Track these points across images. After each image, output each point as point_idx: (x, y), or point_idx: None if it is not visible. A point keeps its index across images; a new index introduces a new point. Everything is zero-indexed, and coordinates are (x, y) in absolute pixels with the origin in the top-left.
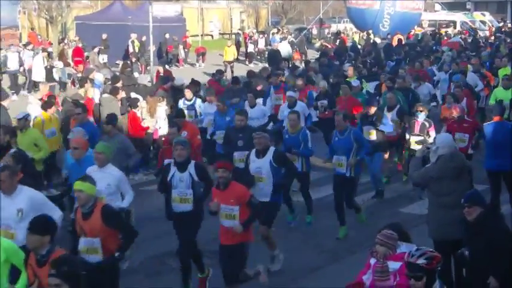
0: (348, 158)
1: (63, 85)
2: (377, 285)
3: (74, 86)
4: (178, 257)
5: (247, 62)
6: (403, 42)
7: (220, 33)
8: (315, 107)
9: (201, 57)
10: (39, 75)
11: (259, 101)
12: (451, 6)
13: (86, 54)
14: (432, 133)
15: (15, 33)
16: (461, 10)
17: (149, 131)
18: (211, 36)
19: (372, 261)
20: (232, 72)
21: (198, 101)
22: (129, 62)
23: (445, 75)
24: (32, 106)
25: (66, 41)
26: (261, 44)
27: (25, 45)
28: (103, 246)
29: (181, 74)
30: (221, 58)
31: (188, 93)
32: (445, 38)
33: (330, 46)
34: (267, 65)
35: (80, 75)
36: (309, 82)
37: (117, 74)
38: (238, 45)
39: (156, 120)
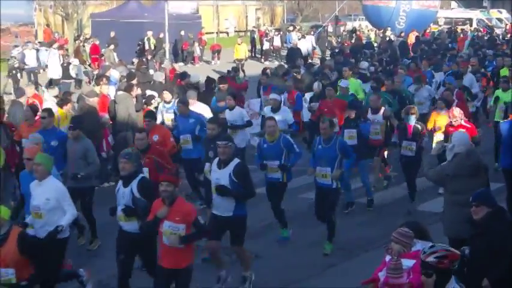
0: (333, 169)
1: (79, 82)
2: (390, 282)
3: (91, 83)
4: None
5: (262, 60)
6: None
7: (235, 31)
8: (308, 110)
9: (216, 54)
10: (55, 72)
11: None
12: (468, 3)
13: (103, 51)
14: (424, 137)
15: (31, 30)
16: (477, 7)
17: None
18: (227, 33)
19: (387, 258)
20: (243, 70)
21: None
22: (144, 59)
23: (444, 77)
24: (47, 103)
25: (81, 38)
26: (277, 42)
27: (41, 43)
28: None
29: (197, 72)
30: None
31: (167, 95)
32: (461, 35)
33: (346, 44)
34: (282, 62)
35: (96, 72)
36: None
37: (133, 71)
38: (253, 42)
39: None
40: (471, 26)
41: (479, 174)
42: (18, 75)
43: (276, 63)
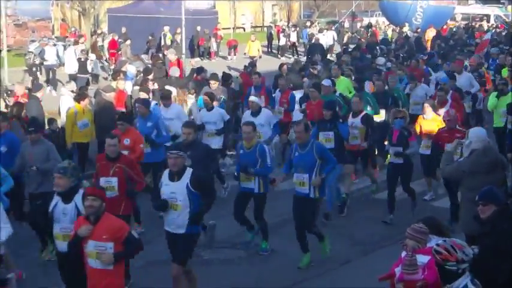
0: (311, 177)
1: (96, 77)
2: (405, 278)
3: (107, 78)
4: None
5: (279, 56)
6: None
7: (252, 26)
8: (300, 111)
9: (232, 50)
10: (71, 68)
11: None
12: None
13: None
14: (413, 143)
15: (48, 25)
16: (495, 3)
17: None
18: (243, 29)
19: (403, 254)
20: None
21: (153, 104)
22: (161, 54)
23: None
24: (65, 98)
25: (98, 33)
26: (293, 38)
27: (58, 38)
28: None
29: (213, 67)
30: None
31: (144, 95)
32: (478, 31)
33: (362, 39)
34: (299, 58)
35: (112, 67)
36: (342, 75)
37: (149, 66)
38: (270, 38)
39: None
40: (488, 22)
41: (496, 171)
42: (38, 73)
43: (293, 58)
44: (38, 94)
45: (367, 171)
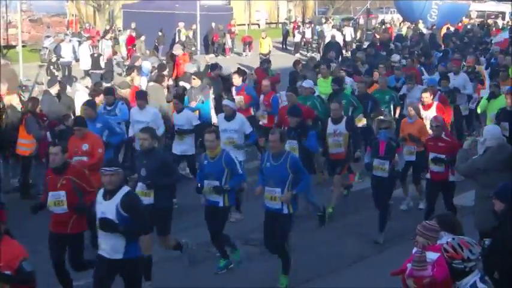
0: (283, 191)
1: (110, 73)
2: (414, 274)
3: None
4: None
5: (293, 52)
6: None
7: (267, 23)
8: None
9: (247, 46)
10: (86, 63)
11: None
12: None
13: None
14: (400, 155)
15: (63, 20)
16: (510, 0)
17: None
18: (258, 25)
19: (414, 250)
20: (270, 63)
21: (120, 105)
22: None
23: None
24: (79, 93)
25: (113, 29)
26: (308, 34)
27: (73, 34)
28: None
29: (227, 63)
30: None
31: (110, 98)
32: (494, 29)
33: (376, 36)
34: (313, 54)
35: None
36: (356, 73)
37: (164, 62)
38: (286, 35)
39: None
40: (504, 19)
41: (510, 168)
42: (54, 70)
43: (308, 55)
44: (52, 90)
45: (339, 177)
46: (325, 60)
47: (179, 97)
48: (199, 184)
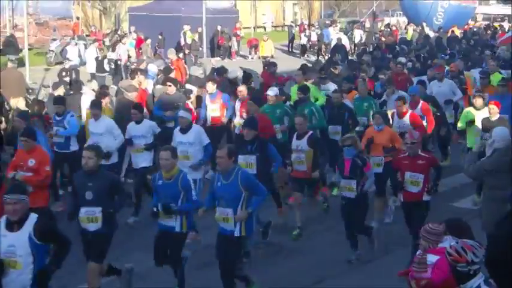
0: (236, 211)
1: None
2: (415, 276)
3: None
4: None
5: (299, 55)
6: (458, 36)
7: (273, 26)
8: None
9: (253, 49)
10: (92, 66)
11: None
12: None
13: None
14: (369, 173)
15: (69, 24)
16: None
17: None
18: (264, 28)
19: (418, 252)
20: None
21: (69, 117)
22: (181, 53)
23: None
24: (86, 96)
25: (119, 32)
26: (314, 37)
27: (79, 37)
28: None
29: (234, 67)
30: (274, 50)
31: (60, 108)
32: (500, 32)
33: (382, 39)
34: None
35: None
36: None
37: (170, 65)
38: (292, 38)
39: None
40: (510, 22)
41: None
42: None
43: (313, 58)
44: (57, 93)
45: (313, 199)
46: (330, 63)
47: (137, 106)
48: (154, 208)
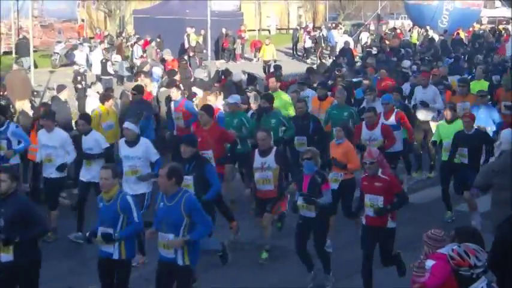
0: (177, 237)
1: (121, 78)
2: (415, 280)
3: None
4: None
5: (304, 58)
6: (463, 39)
7: (277, 28)
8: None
9: (257, 52)
10: (97, 69)
11: None
12: None
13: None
14: (326, 192)
15: (74, 26)
16: None
17: None
18: (269, 31)
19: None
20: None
21: (14, 128)
22: (186, 56)
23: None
24: (90, 99)
25: (124, 35)
26: (318, 40)
27: (84, 40)
28: None
29: (239, 69)
30: (278, 54)
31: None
32: (505, 35)
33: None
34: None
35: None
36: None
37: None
38: (296, 41)
39: None
40: None
41: None
42: (83, 82)
43: (318, 61)
44: (61, 95)
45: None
46: (336, 65)
47: (85, 117)
48: (97, 233)
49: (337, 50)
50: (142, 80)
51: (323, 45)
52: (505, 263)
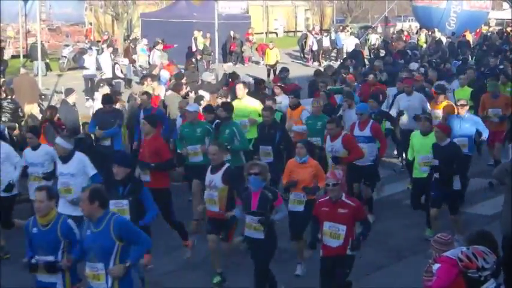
0: (108, 266)
1: (129, 82)
2: (425, 285)
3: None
4: None
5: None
6: (470, 41)
7: (285, 31)
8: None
9: (264, 55)
10: (107, 71)
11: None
12: None
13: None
14: (281, 208)
15: (82, 29)
16: None
17: None
18: (276, 34)
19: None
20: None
21: None
22: (193, 59)
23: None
24: (98, 102)
25: (131, 38)
26: (326, 43)
27: (91, 43)
28: None
29: (246, 72)
30: (285, 57)
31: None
32: None
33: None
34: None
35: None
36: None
37: (182, 71)
38: (304, 43)
39: None
40: None
41: None
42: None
43: (325, 63)
44: (69, 99)
45: (227, 245)
46: (343, 68)
47: (32, 129)
48: (30, 260)
49: (344, 52)
50: (149, 84)
51: (323, 48)
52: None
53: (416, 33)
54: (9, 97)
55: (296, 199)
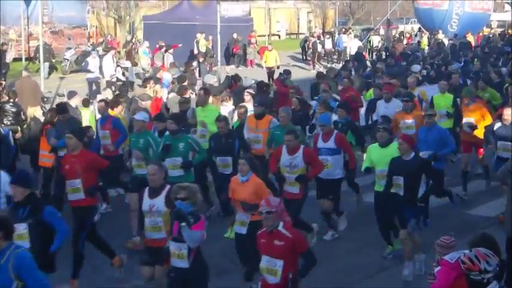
0: None
1: (131, 84)
2: (430, 286)
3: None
4: None
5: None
6: (471, 43)
7: (287, 34)
8: None
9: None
10: (108, 75)
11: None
12: None
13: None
14: (191, 235)
15: (84, 32)
16: None
17: None
18: (279, 36)
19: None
20: (273, 79)
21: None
22: (196, 62)
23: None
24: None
25: (133, 41)
26: (328, 45)
27: (93, 46)
28: None
29: (248, 75)
30: (287, 59)
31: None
32: None
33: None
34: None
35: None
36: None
37: (184, 74)
38: (306, 47)
39: None
40: None
41: None
42: (112, 86)
43: (328, 66)
44: (72, 102)
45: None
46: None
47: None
48: None
49: (348, 54)
50: (152, 87)
51: (319, 50)
52: None
53: (416, 35)
54: (12, 100)
55: (239, 220)
